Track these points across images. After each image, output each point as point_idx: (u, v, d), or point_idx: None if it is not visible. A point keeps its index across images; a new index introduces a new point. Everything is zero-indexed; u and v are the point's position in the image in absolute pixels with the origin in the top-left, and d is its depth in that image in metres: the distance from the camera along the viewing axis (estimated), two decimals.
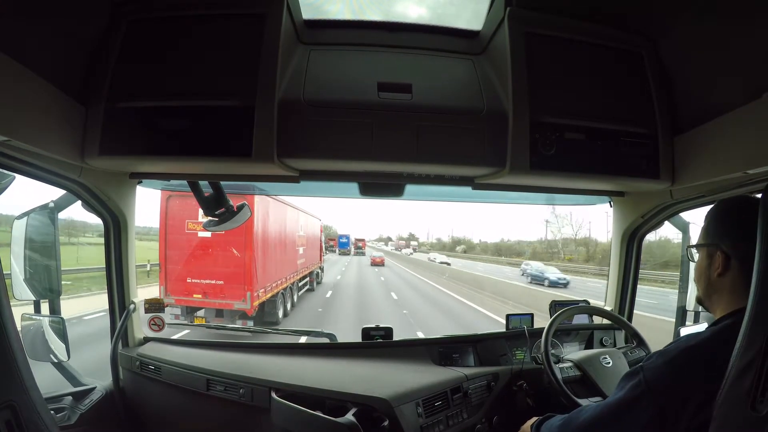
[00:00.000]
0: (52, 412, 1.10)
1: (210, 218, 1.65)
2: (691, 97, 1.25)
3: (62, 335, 1.59)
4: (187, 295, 7.83)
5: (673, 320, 1.97)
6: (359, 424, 1.28)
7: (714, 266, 0.94)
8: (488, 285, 16.69)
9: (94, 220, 1.63)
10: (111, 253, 1.70)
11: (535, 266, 25.02)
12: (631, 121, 1.28)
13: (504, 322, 1.96)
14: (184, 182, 1.59)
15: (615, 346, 1.92)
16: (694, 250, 1.03)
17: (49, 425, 0.89)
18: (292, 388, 1.48)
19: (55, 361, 1.61)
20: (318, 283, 15.19)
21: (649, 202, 1.66)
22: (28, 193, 1.77)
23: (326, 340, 1.99)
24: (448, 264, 30.53)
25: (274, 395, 1.47)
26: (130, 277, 1.75)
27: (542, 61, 1.23)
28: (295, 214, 11.31)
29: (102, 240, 1.72)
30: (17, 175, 1.19)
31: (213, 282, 7.83)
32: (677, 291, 1.96)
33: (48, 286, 1.57)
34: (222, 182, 1.61)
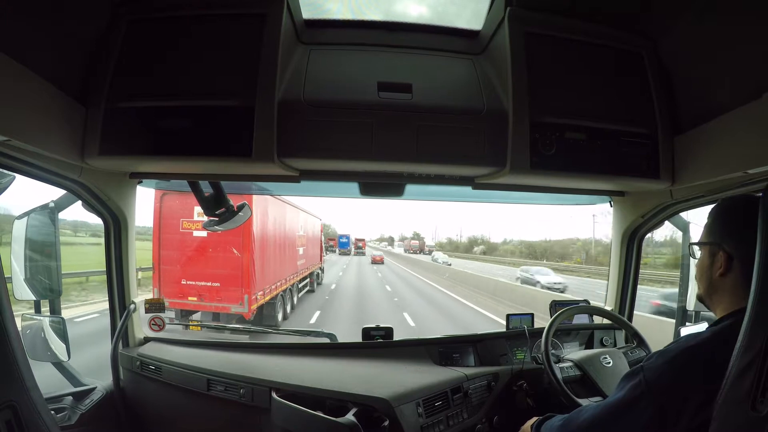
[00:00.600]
0: (52, 412, 1.10)
1: (210, 218, 1.65)
2: (691, 97, 1.26)
3: (62, 335, 1.59)
4: (181, 297, 7.40)
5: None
6: (359, 424, 1.28)
7: (716, 266, 0.94)
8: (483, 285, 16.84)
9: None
10: (111, 253, 1.70)
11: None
12: (631, 121, 1.28)
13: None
14: (184, 182, 1.59)
15: (615, 346, 1.92)
16: (696, 248, 1.02)
17: (50, 425, 0.89)
18: (293, 388, 1.48)
19: (55, 361, 1.61)
20: (318, 283, 15.09)
21: (649, 201, 1.66)
22: (28, 193, 1.77)
23: (326, 340, 1.99)
24: (449, 264, 30.68)
25: (274, 395, 1.47)
26: (131, 277, 1.76)
27: (542, 61, 1.23)
28: (294, 213, 10.97)
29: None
30: (17, 175, 1.19)
31: (209, 284, 7.43)
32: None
33: (48, 286, 1.57)
34: (222, 182, 1.61)
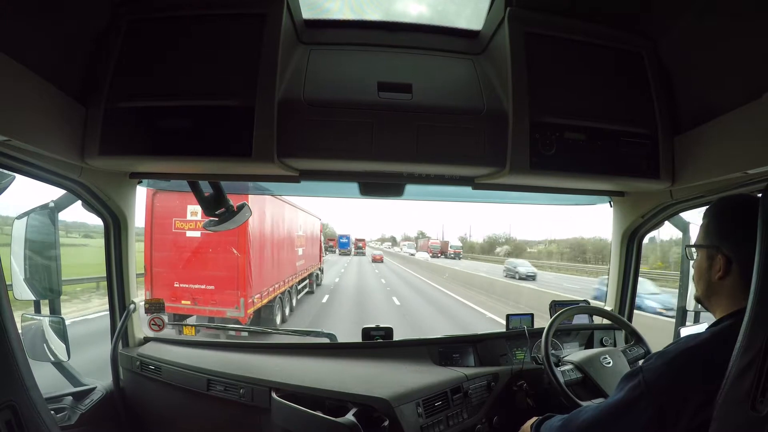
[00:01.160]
0: (52, 412, 1.10)
1: (210, 218, 1.65)
2: (691, 97, 1.26)
3: (62, 335, 1.59)
4: (174, 301, 6.93)
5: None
6: (359, 424, 1.28)
7: (715, 269, 0.93)
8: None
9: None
10: (111, 253, 1.70)
11: None
12: (631, 121, 1.28)
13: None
14: (183, 182, 1.59)
15: (615, 345, 1.92)
16: (693, 250, 1.01)
17: (50, 425, 0.89)
18: (293, 388, 1.48)
19: (55, 361, 1.61)
20: (318, 284, 14.95)
21: (649, 202, 1.66)
22: (28, 193, 1.77)
23: (326, 340, 1.99)
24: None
25: (274, 395, 1.47)
26: (130, 277, 1.76)
27: (542, 61, 1.23)
28: (293, 213, 10.60)
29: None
30: (17, 175, 1.19)
31: (203, 287, 7.00)
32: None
33: (48, 286, 1.57)
34: (222, 182, 1.61)
